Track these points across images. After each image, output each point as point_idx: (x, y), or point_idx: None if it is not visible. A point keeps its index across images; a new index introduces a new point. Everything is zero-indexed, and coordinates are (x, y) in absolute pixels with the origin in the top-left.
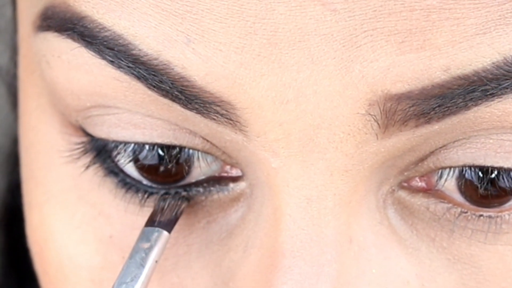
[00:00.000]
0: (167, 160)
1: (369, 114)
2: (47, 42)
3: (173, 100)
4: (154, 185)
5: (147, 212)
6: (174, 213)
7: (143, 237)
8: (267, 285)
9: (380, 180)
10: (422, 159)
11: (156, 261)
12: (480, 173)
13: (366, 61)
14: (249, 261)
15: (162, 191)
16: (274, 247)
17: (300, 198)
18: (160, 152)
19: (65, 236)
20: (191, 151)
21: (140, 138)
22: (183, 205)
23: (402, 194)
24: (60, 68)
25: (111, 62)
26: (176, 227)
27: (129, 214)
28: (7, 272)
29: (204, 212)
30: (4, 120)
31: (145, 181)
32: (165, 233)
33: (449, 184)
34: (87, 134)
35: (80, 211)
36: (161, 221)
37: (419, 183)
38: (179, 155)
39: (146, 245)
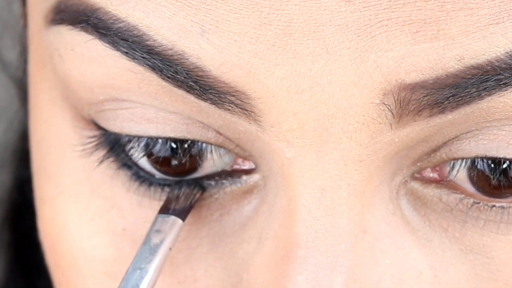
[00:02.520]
0: (181, 154)
1: (384, 103)
2: (60, 36)
3: (188, 91)
4: (167, 178)
5: (160, 205)
6: (189, 202)
7: (157, 224)
8: (281, 276)
9: (393, 170)
10: (435, 150)
11: (170, 249)
12: (492, 164)
13: (381, 51)
14: (263, 252)
15: (175, 184)
16: (288, 237)
17: (315, 188)
18: (173, 145)
19: (78, 229)
20: (204, 144)
21: (153, 132)
22: (198, 194)
23: (415, 185)
24: (73, 61)
25: (126, 53)
26: (189, 219)
27: (142, 207)
28: (14, 268)
29: (217, 204)
30: (10, 116)
31: (158, 174)
32: (179, 221)
33: (461, 175)
34: (99, 127)
35: (93, 204)
36: (176, 209)
37: (431, 174)
38: (191, 148)
39: (160, 232)
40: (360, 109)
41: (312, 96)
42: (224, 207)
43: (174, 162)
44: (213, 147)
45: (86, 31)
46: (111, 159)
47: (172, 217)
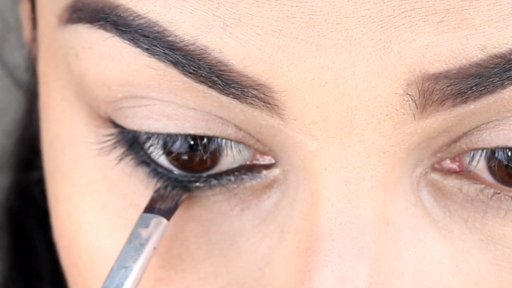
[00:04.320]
0: (201, 150)
1: (407, 94)
2: (77, 34)
3: (210, 86)
4: (185, 174)
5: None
6: (174, 202)
7: (142, 222)
8: (306, 268)
9: (414, 162)
10: (455, 141)
11: (155, 248)
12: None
13: (404, 42)
14: (285, 246)
15: (193, 180)
16: (312, 230)
17: (338, 180)
18: (191, 141)
19: (95, 228)
20: (223, 140)
21: (172, 129)
22: (184, 195)
23: (435, 176)
24: (90, 60)
25: (146, 50)
26: (209, 215)
27: None
28: (14, 273)
29: (237, 199)
30: (8, 120)
31: (176, 171)
32: (164, 220)
33: (480, 165)
34: (116, 125)
35: (110, 202)
36: (161, 208)
37: (450, 164)
38: (210, 144)
39: (145, 231)
40: (383, 100)
41: (335, 88)
42: (244, 202)
43: (193, 158)
44: (232, 143)
45: (104, 28)
46: (129, 157)
47: (157, 217)
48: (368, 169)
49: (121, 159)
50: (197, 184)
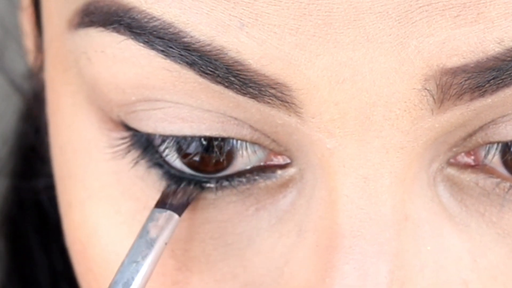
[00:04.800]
0: (217, 152)
1: (425, 89)
2: (89, 38)
3: (227, 86)
4: (199, 175)
5: (194, 203)
6: (186, 198)
7: (154, 217)
8: (327, 266)
9: (431, 157)
10: (471, 135)
11: (166, 243)
12: None
13: (422, 36)
14: (304, 244)
15: (207, 181)
16: (331, 228)
17: (357, 177)
18: (204, 142)
19: (110, 232)
20: (238, 141)
21: (188, 131)
22: (196, 192)
23: (451, 171)
24: (103, 63)
25: (161, 52)
26: (224, 216)
27: None
28: (12, 279)
29: (252, 199)
30: (3, 127)
31: (189, 172)
32: (175, 216)
33: (496, 159)
34: (128, 129)
35: (124, 206)
36: (173, 204)
37: (465, 158)
38: (225, 146)
39: (156, 226)
40: (401, 96)
41: (353, 85)
42: (259, 202)
43: (208, 160)
44: (247, 143)
45: (118, 31)
46: (144, 160)
47: (169, 212)
48: (387, 165)
49: (136, 163)
50: (212, 185)
